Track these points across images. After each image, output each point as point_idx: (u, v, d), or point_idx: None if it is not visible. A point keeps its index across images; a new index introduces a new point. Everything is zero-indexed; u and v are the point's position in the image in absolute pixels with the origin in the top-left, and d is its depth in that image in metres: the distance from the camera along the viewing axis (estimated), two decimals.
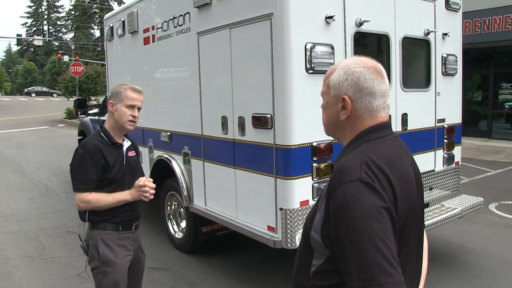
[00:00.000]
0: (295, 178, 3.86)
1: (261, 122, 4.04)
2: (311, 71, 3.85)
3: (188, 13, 5.01)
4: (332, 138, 4.05)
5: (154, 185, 3.02)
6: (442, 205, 5.13)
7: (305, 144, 3.88)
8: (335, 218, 1.39)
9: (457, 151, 5.59)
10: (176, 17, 5.28)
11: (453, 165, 5.55)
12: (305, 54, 3.82)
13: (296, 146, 3.83)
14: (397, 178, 1.44)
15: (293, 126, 3.81)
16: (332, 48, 3.99)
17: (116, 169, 2.95)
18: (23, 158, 13.53)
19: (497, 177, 10.03)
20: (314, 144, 3.92)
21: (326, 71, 3.95)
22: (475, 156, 12.52)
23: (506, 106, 15.67)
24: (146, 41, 6.09)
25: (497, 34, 13.72)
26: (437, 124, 5.29)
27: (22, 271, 5.28)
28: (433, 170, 5.27)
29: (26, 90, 61.75)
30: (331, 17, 3.96)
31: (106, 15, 7.78)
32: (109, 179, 2.92)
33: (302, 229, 1.75)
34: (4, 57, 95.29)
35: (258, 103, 4.09)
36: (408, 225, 1.48)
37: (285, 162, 3.86)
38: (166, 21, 5.51)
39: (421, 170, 5.30)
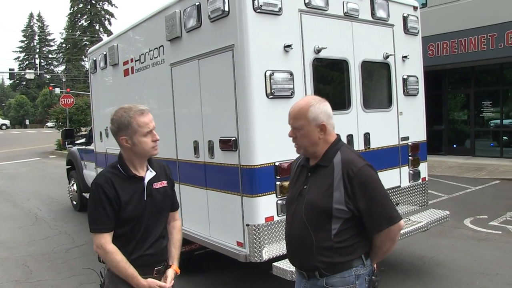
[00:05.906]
0: (260, 196, 4.14)
1: (227, 145, 4.33)
2: (271, 96, 4.17)
3: (162, 46, 5.35)
4: (294, 157, 4.36)
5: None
6: (409, 219, 5.36)
7: (268, 163, 4.17)
8: (363, 187, 2.25)
9: (423, 168, 5.87)
10: (151, 50, 5.62)
11: (420, 181, 5.82)
12: (265, 81, 4.14)
13: (259, 166, 4.12)
14: None
15: (255, 147, 4.11)
16: (291, 74, 4.32)
17: (131, 207, 2.49)
18: (14, 189, 13.69)
19: (476, 193, 10.24)
20: (277, 163, 4.20)
21: (286, 95, 4.27)
22: (457, 174, 12.79)
23: (492, 124, 15.86)
24: (126, 72, 6.42)
25: (474, 54, 14.12)
26: (401, 142, 5.57)
27: None
28: (399, 186, 5.53)
29: None
30: (289, 46, 4.31)
31: (90, 49, 8.17)
32: (123, 219, 2.48)
33: (306, 211, 2.37)
34: None
35: (225, 127, 4.38)
36: None
37: (250, 181, 4.14)
38: (143, 54, 5.86)
39: (387, 186, 5.50)
